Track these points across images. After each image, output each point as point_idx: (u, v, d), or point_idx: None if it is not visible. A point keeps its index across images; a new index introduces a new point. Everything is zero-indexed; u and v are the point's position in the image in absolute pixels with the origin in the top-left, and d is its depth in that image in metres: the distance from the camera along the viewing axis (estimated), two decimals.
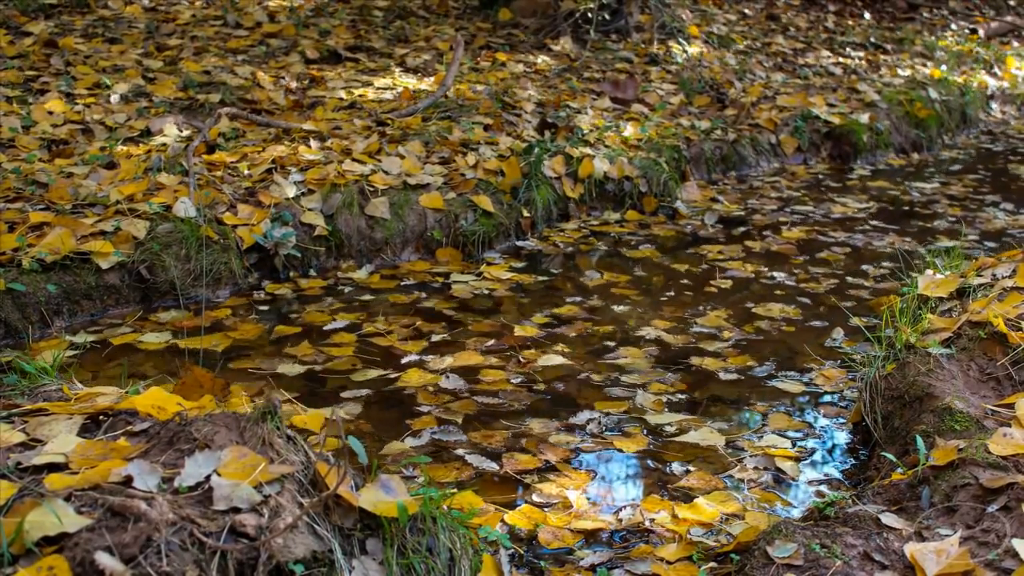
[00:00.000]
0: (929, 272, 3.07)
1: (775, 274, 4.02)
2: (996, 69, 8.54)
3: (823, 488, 2.45)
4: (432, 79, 5.90)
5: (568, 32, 7.19)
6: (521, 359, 3.14)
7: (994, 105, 7.97)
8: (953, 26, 10.02)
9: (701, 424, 2.75)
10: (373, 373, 3.04)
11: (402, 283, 3.85)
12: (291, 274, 3.85)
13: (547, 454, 2.57)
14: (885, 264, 4.15)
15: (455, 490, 2.28)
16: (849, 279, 3.99)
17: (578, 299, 3.71)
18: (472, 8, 7.85)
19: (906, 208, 5.11)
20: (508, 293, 3.76)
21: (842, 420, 2.80)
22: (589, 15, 7.24)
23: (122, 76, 5.30)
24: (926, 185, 5.61)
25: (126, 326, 3.32)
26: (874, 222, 4.83)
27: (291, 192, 3.98)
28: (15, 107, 4.75)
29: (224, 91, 5.22)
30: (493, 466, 2.51)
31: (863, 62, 7.94)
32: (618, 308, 3.62)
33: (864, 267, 4.14)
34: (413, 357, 3.16)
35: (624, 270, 4.06)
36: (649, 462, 2.57)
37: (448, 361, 3.12)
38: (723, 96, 6.36)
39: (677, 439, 2.66)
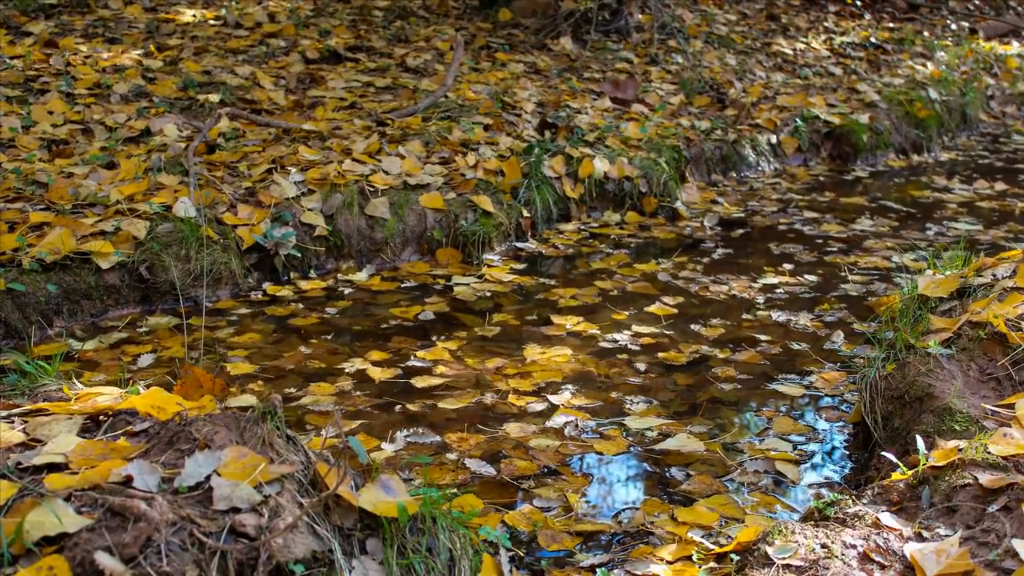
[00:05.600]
0: (929, 272, 3.07)
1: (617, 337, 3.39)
2: (996, 69, 8.54)
3: (823, 491, 2.45)
4: (432, 78, 5.90)
5: (568, 32, 7.18)
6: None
7: (994, 105, 7.97)
8: (953, 26, 10.01)
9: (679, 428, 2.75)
10: None
11: (402, 285, 3.85)
12: (291, 275, 3.84)
13: None
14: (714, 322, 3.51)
15: (455, 491, 2.28)
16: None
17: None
18: (472, 8, 7.84)
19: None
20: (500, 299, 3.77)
21: (842, 423, 2.80)
22: (589, 15, 7.24)
23: (122, 76, 5.30)
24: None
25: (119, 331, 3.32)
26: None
27: (291, 192, 3.98)
28: (15, 107, 4.75)
29: (224, 91, 5.22)
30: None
31: (863, 62, 7.93)
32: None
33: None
34: None
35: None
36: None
37: None
38: (723, 96, 6.36)
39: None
